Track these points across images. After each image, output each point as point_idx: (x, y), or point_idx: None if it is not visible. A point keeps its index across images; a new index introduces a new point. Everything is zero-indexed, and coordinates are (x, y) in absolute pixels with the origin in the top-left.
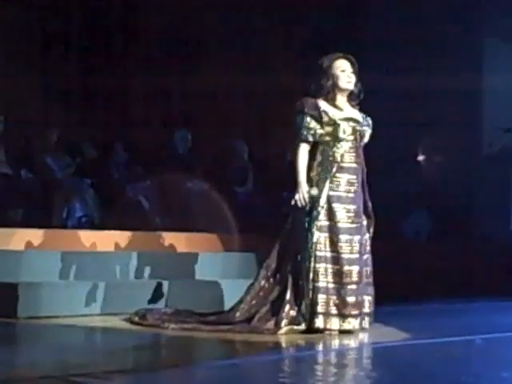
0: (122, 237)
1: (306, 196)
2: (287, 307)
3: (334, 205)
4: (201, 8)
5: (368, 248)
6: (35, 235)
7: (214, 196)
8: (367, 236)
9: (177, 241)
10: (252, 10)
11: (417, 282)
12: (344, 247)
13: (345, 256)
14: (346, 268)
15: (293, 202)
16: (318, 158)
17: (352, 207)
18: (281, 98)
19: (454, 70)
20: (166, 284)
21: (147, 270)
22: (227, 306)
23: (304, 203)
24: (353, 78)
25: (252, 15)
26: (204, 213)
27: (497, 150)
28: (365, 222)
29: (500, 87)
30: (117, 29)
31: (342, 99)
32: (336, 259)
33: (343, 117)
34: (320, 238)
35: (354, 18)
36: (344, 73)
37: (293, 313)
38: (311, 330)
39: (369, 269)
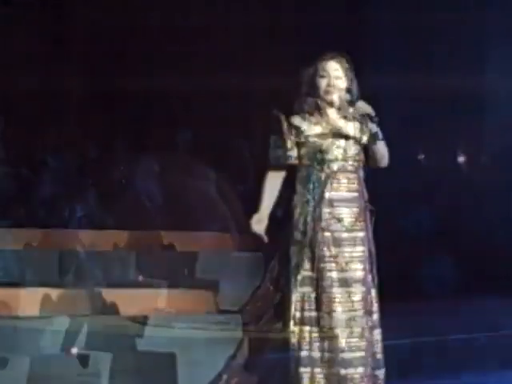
0: (122, 236)
1: None
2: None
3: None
4: (200, 7)
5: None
6: (35, 235)
7: (215, 195)
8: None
9: (178, 240)
10: (251, 9)
11: (417, 281)
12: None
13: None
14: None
15: None
16: None
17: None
18: (281, 97)
19: (456, 71)
20: (165, 283)
21: (148, 270)
22: (227, 305)
23: None
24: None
25: (251, 15)
26: (205, 212)
27: (497, 150)
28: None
29: (502, 89)
30: (116, 31)
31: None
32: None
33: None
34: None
35: (355, 18)
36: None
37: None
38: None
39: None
